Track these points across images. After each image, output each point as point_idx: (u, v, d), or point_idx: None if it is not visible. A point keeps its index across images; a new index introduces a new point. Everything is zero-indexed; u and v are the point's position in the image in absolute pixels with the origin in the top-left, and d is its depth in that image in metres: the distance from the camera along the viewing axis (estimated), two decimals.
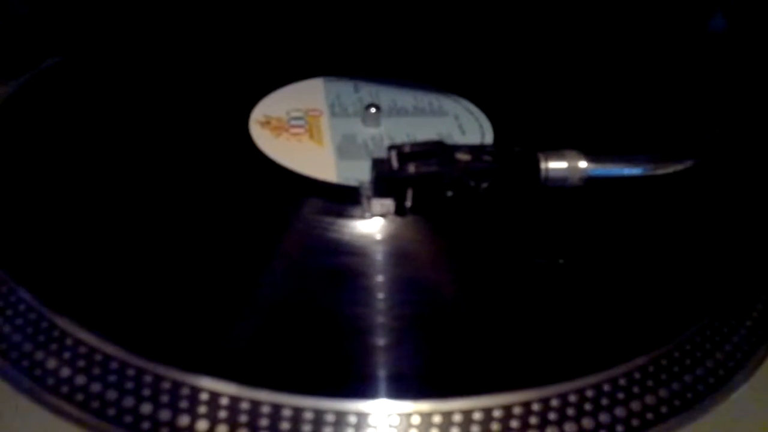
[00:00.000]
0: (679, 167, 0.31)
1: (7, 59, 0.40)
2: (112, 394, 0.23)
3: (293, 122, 0.35)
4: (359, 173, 0.31)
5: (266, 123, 0.35)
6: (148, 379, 0.23)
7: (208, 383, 0.23)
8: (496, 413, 0.23)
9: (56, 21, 0.43)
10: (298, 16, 0.46)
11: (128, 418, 0.23)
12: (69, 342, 0.24)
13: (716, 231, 0.31)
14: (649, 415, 0.24)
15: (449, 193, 0.29)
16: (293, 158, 0.32)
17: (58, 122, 0.35)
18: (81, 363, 0.24)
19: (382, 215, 0.29)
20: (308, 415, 0.23)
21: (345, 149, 0.33)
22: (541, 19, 0.46)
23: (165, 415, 0.23)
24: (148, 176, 0.32)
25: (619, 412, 0.24)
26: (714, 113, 0.38)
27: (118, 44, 0.42)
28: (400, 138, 0.34)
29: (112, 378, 0.24)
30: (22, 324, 0.25)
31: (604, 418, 0.24)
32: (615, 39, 0.44)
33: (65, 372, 0.24)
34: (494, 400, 0.23)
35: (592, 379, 0.24)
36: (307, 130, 0.34)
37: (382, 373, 0.24)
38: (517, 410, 0.23)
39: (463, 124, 0.36)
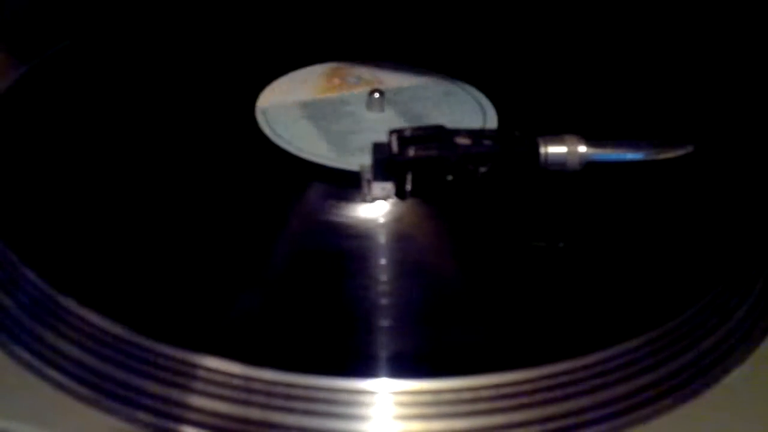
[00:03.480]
0: (680, 152, 0.31)
1: (20, 42, 0.40)
2: (117, 373, 0.24)
3: (297, 108, 0.35)
4: (361, 158, 0.31)
5: (272, 108, 0.35)
6: (153, 358, 0.24)
7: (214, 363, 0.24)
8: (500, 391, 0.24)
9: (66, 6, 0.44)
10: (303, 2, 0.46)
11: (133, 396, 0.23)
12: (75, 322, 0.25)
13: (712, 216, 0.31)
14: (644, 395, 0.24)
15: (449, 177, 0.29)
16: (296, 143, 0.33)
17: (66, 107, 0.36)
18: (86, 342, 0.24)
19: (383, 198, 0.30)
20: (310, 394, 0.23)
21: (347, 134, 0.33)
22: (546, 5, 0.46)
23: (170, 393, 0.23)
24: (153, 161, 0.32)
25: (615, 391, 0.24)
26: (716, 99, 0.38)
27: (125, 29, 0.42)
28: (401, 123, 0.34)
29: (116, 356, 0.24)
30: (28, 304, 0.26)
31: (600, 396, 0.24)
32: (620, 23, 0.44)
33: (71, 350, 0.24)
34: (496, 379, 0.24)
35: (588, 359, 0.24)
36: (311, 116, 0.35)
37: (382, 352, 0.25)
38: (518, 388, 0.24)
39: (466, 111, 0.36)
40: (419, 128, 0.30)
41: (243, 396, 0.23)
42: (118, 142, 0.33)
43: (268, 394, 0.23)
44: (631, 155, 0.31)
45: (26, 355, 0.25)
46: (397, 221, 0.29)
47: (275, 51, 0.41)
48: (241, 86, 0.36)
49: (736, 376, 0.26)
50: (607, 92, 0.38)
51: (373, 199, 0.30)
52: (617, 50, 0.42)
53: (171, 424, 0.23)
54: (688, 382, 0.25)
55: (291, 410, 0.23)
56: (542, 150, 0.30)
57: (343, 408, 0.23)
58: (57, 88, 0.37)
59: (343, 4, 0.46)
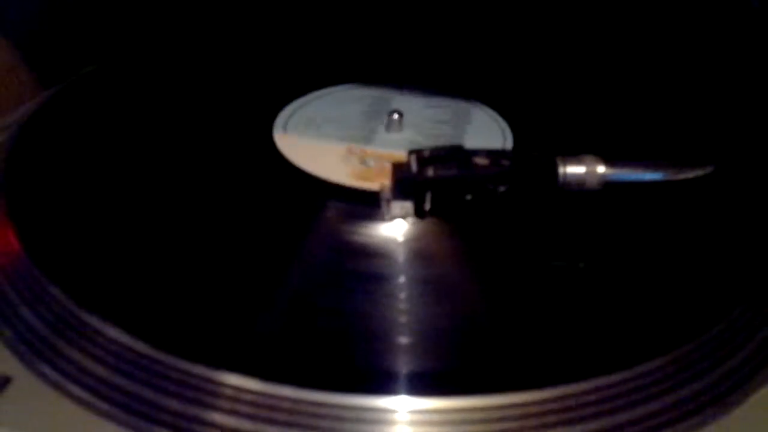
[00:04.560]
0: (699, 173, 0.31)
1: (46, 66, 0.41)
2: (137, 388, 0.24)
3: (317, 129, 0.36)
4: (380, 178, 0.31)
5: (291, 129, 0.35)
6: (173, 374, 0.24)
7: (234, 379, 0.24)
8: (511, 412, 0.24)
9: (92, 31, 0.45)
10: (322, 25, 0.47)
11: (153, 412, 0.24)
12: (97, 337, 0.25)
13: (731, 239, 0.31)
14: (658, 420, 0.24)
15: (468, 196, 0.29)
16: (316, 163, 0.33)
17: (90, 129, 0.36)
18: (107, 357, 0.25)
19: (402, 217, 0.30)
20: (329, 411, 0.23)
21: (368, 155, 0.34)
22: (561, 26, 0.46)
23: (190, 409, 0.24)
24: (176, 181, 0.33)
25: (639, 411, 0.24)
26: (736, 118, 0.38)
27: (149, 54, 0.43)
28: (419, 144, 0.34)
29: (137, 372, 0.24)
30: (52, 320, 0.26)
31: (624, 416, 0.24)
32: (637, 46, 0.44)
33: (93, 366, 0.25)
34: (510, 399, 0.24)
35: (605, 381, 0.24)
36: (331, 137, 0.35)
37: (401, 370, 0.25)
38: (535, 408, 0.24)
39: (484, 131, 0.36)
40: (438, 148, 0.30)
41: (262, 413, 0.23)
42: (140, 163, 0.34)
43: (287, 410, 0.23)
44: (650, 175, 0.31)
45: (48, 370, 0.25)
46: (416, 240, 0.30)
47: (294, 72, 0.41)
48: (261, 107, 0.37)
49: (750, 404, 0.25)
50: (625, 111, 0.39)
51: (393, 218, 0.30)
52: (635, 70, 0.42)
53: None
54: (702, 408, 0.25)
55: (309, 427, 0.23)
56: (561, 170, 0.30)
57: (362, 426, 0.23)
58: (83, 111, 0.38)
59: (360, 27, 0.47)
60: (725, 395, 0.25)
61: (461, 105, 0.38)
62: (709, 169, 0.31)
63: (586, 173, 0.30)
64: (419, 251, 0.29)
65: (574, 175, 0.30)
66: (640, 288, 0.28)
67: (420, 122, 0.36)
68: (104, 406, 0.24)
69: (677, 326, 0.26)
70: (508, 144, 0.35)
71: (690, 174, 0.31)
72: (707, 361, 0.25)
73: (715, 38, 0.44)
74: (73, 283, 0.27)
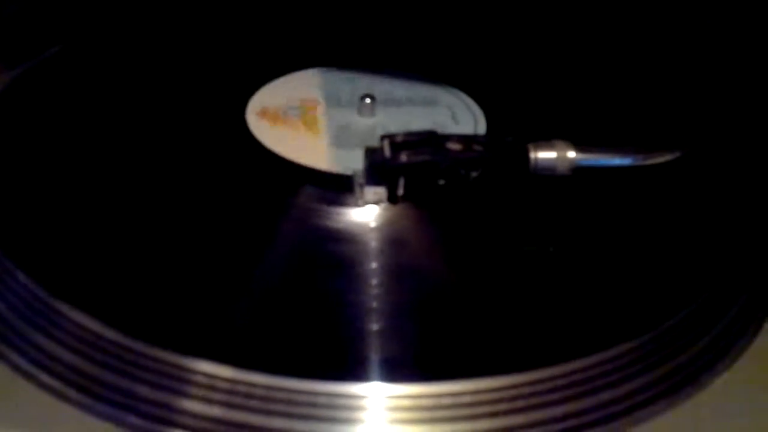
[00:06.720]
0: (667, 158, 0.32)
1: (10, 47, 0.40)
2: (108, 376, 0.24)
3: (289, 112, 0.35)
4: (353, 162, 0.31)
5: (263, 113, 0.35)
6: (145, 362, 0.24)
7: (206, 366, 0.24)
8: (484, 396, 0.24)
9: (57, 11, 0.44)
10: (295, 7, 0.46)
11: (125, 400, 0.24)
12: (67, 325, 0.25)
13: (702, 222, 0.31)
14: (633, 400, 0.25)
15: (441, 182, 0.29)
16: (289, 148, 0.33)
17: (58, 111, 0.36)
18: (78, 345, 0.25)
19: (375, 203, 0.30)
20: (302, 398, 0.23)
21: (339, 139, 0.34)
22: (535, 10, 0.46)
23: (161, 396, 0.24)
24: (146, 165, 0.33)
25: (604, 396, 0.25)
26: (704, 105, 0.39)
27: (117, 34, 0.42)
28: (394, 128, 0.34)
29: (108, 360, 0.24)
30: (21, 308, 0.26)
31: (589, 402, 0.24)
32: (608, 30, 0.45)
33: (63, 354, 0.24)
34: (483, 384, 0.24)
35: (578, 364, 0.25)
36: (303, 121, 0.35)
37: (375, 356, 0.25)
38: (506, 393, 0.24)
39: (457, 115, 0.36)
40: (411, 133, 0.30)
41: (234, 400, 0.23)
42: (109, 147, 0.33)
43: (260, 398, 0.23)
44: (619, 160, 0.31)
45: (17, 359, 0.25)
46: (389, 225, 0.30)
47: (267, 54, 0.41)
48: (233, 89, 0.37)
49: (723, 381, 0.26)
50: (597, 97, 0.39)
51: (366, 204, 0.30)
52: (606, 56, 0.43)
53: (162, 428, 0.23)
54: (676, 387, 0.25)
55: (283, 414, 0.23)
56: (532, 155, 0.30)
57: (334, 412, 0.23)
58: (49, 92, 0.37)
59: (334, 9, 0.46)
60: (684, 384, 0.25)
61: (435, 90, 0.38)
62: (677, 154, 0.32)
63: (557, 158, 0.30)
64: (392, 237, 0.29)
65: (545, 160, 0.30)
66: (608, 274, 0.29)
67: (393, 107, 0.36)
68: (75, 394, 0.24)
69: (641, 313, 0.27)
70: (481, 129, 0.35)
71: (659, 159, 0.31)
72: (670, 348, 0.26)
73: (682, 24, 0.45)
74: (42, 269, 0.27)
